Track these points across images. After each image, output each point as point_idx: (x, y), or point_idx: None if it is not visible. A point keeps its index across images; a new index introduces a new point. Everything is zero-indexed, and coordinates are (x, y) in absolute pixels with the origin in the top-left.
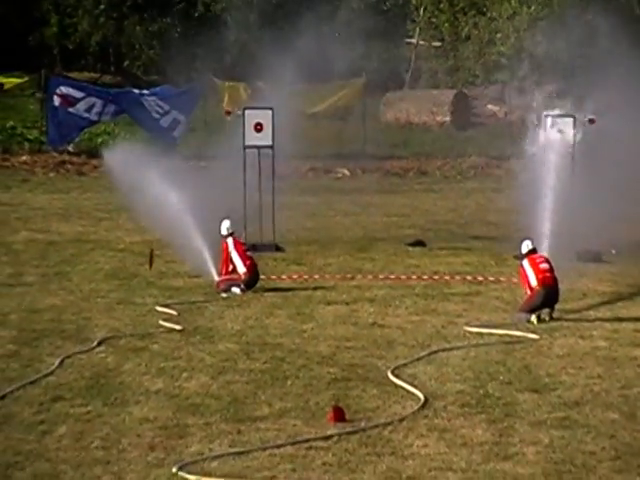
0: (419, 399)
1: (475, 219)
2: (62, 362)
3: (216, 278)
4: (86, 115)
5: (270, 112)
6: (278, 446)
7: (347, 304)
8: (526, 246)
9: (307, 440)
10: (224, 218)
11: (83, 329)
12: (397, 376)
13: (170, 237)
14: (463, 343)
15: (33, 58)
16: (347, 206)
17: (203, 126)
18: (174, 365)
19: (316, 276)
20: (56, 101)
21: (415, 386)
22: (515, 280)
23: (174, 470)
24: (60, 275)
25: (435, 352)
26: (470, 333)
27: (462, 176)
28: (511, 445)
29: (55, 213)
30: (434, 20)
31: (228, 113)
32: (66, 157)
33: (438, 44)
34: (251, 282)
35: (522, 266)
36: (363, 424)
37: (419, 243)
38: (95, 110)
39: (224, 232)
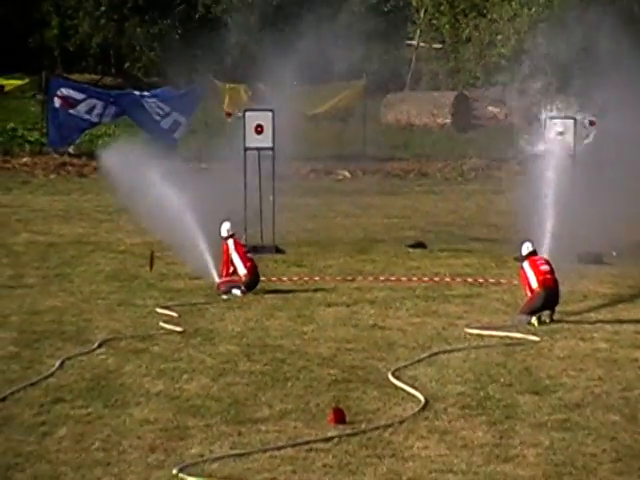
0: (419, 401)
1: (476, 221)
2: (63, 364)
3: (217, 280)
4: (87, 117)
5: (271, 114)
6: (278, 448)
7: (347, 306)
8: (527, 248)
9: (307, 442)
10: (224, 220)
11: (84, 331)
12: (398, 378)
13: (171, 239)
14: (464, 345)
15: (34, 60)
16: (348, 208)
17: (204, 128)
18: (175, 367)
19: (316, 278)
20: (57, 103)
21: (415, 388)
22: (516, 282)
23: (174, 472)
24: (61, 277)
25: (436, 354)
26: (471, 335)
27: (463, 178)
28: (512, 447)
29: (56, 215)
30: (435, 22)
31: (229, 115)
32: (67, 159)
33: (439, 46)
34: (252, 284)
35: (523, 268)
36: (363, 426)
37: (420, 245)
38: (96, 112)
39: (224, 234)
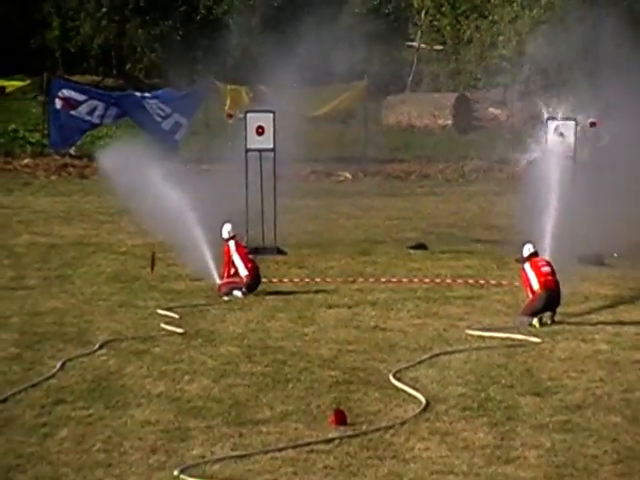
0: (421, 402)
1: (477, 222)
2: (64, 365)
3: (218, 281)
4: (88, 118)
5: (272, 115)
6: (279, 449)
7: (349, 307)
8: (528, 249)
9: (308, 443)
10: (226, 221)
11: (85, 332)
12: (399, 379)
13: (172, 240)
14: (465, 346)
15: (35, 61)
16: (349, 209)
17: (205, 129)
18: (176, 368)
19: (318, 279)
20: (58, 104)
21: (417, 389)
22: (517, 283)
23: (175, 473)
24: (62, 278)
25: (437, 355)
26: (472, 336)
27: (464, 179)
28: (513, 448)
29: (57, 216)
30: (436, 23)
31: (230, 116)
32: (68, 160)
33: (440, 47)
34: (253, 285)
35: (524, 269)
36: (364, 427)
37: (421, 246)
38: (97, 113)
39: (226, 235)
